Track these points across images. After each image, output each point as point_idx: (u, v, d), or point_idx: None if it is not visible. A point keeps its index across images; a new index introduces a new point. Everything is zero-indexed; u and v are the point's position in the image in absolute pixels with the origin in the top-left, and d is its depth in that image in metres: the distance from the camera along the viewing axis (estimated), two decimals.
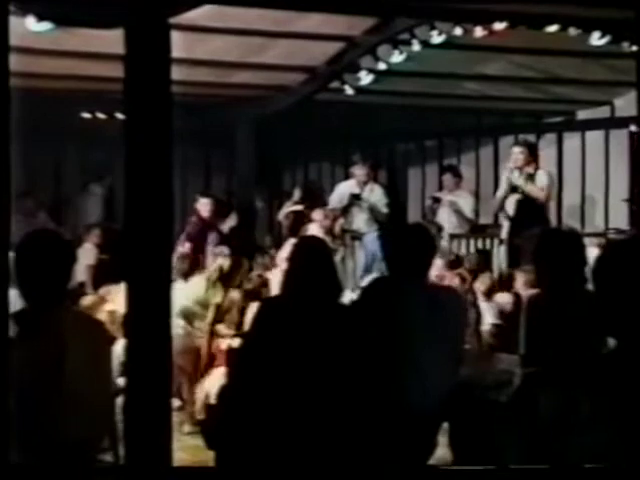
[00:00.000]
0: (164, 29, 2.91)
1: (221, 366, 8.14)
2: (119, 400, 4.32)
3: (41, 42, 8.13)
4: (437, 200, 11.92)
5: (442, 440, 5.46)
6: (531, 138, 12.03)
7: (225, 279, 8.66)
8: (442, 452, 5.46)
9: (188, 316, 8.59)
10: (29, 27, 7.50)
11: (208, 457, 5.39)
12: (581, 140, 13.50)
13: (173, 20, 3.04)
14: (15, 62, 2.86)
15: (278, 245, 10.67)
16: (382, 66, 10.49)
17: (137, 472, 2.74)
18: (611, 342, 2.57)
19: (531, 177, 10.57)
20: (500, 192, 10.80)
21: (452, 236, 11.48)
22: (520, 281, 8.76)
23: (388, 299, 5.38)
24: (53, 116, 11.86)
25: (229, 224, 12.64)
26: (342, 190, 12.06)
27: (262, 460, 4.93)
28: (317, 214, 10.78)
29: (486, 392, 5.43)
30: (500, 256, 11.16)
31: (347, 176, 12.87)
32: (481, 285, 8.84)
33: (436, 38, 9.57)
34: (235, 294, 8.59)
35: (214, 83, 11.43)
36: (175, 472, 2.85)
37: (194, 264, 9.91)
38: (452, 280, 8.62)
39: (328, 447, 4.85)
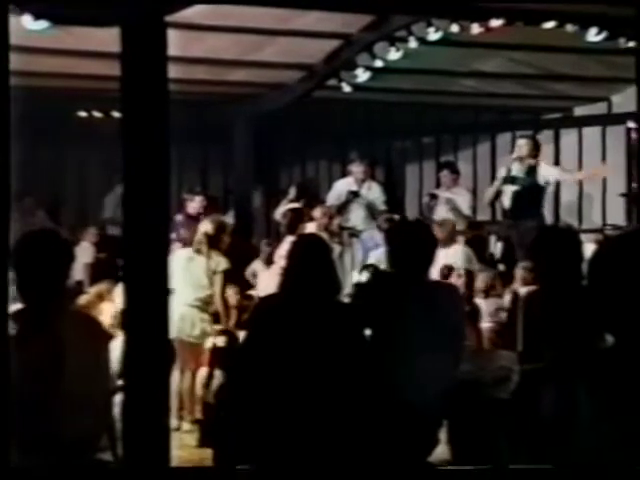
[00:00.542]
0: (160, 27, 2.91)
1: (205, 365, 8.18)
2: (118, 398, 4.32)
3: (37, 41, 8.11)
4: (434, 197, 11.91)
5: (441, 437, 5.47)
6: (528, 135, 12.01)
7: (213, 242, 8.57)
8: (441, 449, 5.46)
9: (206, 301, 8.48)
10: (25, 26, 7.48)
11: (206, 455, 5.39)
12: (578, 136, 13.49)
13: (169, 18, 3.04)
14: (11, 61, 2.86)
15: (275, 243, 10.67)
16: (379, 63, 10.48)
17: (135, 472, 2.74)
18: (609, 338, 2.57)
19: (533, 169, 10.59)
20: (496, 182, 10.82)
21: None
22: (518, 278, 8.76)
23: (388, 295, 5.38)
24: (49, 115, 11.85)
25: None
26: (340, 187, 12.06)
27: (260, 457, 4.93)
28: (317, 212, 10.77)
29: (485, 389, 5.44)
30: (497, 252, 11.18)
31: (344, 173, 12.87)
32: (480, 282, 8.84)
33: (433, 35, 9.56)
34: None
35: (211, 81, 11.42)
36: (173, 472, 2.85)
37: None
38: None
39: (327, 444, 4.85)
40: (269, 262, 9.84)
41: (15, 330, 3.61)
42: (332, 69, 11.11)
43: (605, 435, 2.37)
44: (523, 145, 10.73)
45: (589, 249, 5.51)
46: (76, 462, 3.75)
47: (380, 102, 13.30)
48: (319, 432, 4.89)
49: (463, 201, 11.82)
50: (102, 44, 6.91)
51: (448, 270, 8.63)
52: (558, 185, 12.49)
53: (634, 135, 12.06)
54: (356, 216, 11.83)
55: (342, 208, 11.71)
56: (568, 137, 13.58)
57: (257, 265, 10.54)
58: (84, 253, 11.60)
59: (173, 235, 10.57)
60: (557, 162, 13.02)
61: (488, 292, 8.78)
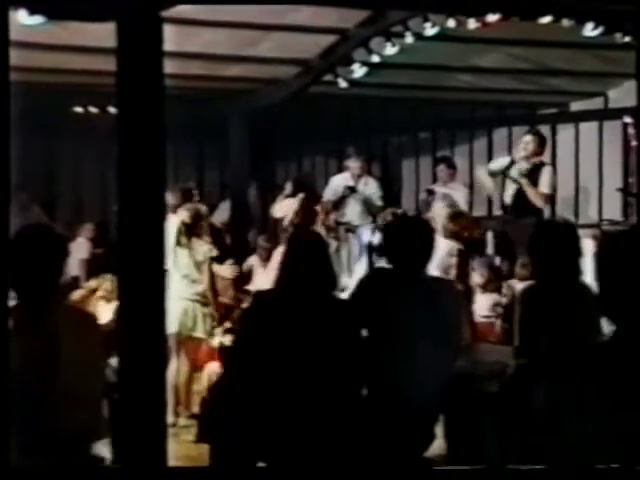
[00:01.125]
0: (156, 22, 2.90)
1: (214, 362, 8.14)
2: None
3: (32, 36, 8.08)
4: (432, 193, 11.90)
5: (438, 432, 5.47)
6: (524, 130, 12.00)
7: (191, 230, 8.53)
8: (438, 443, 5.47)
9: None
10: (20, 21, 7.46)
11: (203, 450, 5.39)
12: (575, 131, 13.48)
13: (165, 13, 3.03)
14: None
15: (272, 239, 10.66)
16: (375, 58, 10.46)
17: (132, 472, 2.74)
18: (606, 331, 2.57)
19: (537, 168, 10.57)
20: (499, 164, 10.82)
21: None
22: (515, 274, 8.76)
23: (385, 291, 5.38)
24: (45, 110, 11.83)
25: (222, 218, 12.63)
26: (336, 183, 12.06)
27: (256, 454, 4.93)
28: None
29: (479, 383, 5.43)
30: (494, 247, 11.19)
31: (341, 169, 12.86)
32: (477, 277, 8.83)
33: (429, 30, 9.53)
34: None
35: (207, 76, 11.40)
36: (170, 472, 2.84)
37: None
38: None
39: (322, 439, 4.85)
40: (267, 258, 9.84)
41: (10, 325, 3.60)
42: (328, 64, 11.09)
43: (597, 430, 2.37)
44: (530, 142, 10.68)
45: (586, 244, 5.51)
46: (72, 458, 3.74)
47: (376, 97, 13.28)
48: (314, 427, 4.89)
49: (460, 197, 11.82)
50: (98, 39, 6.88)
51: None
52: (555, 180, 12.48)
53: (631, 130, 12.06)
54: (352, 211, 11.83)
55: (338, 203, 11.72)
56: (565, 132, 13.58)
57: (253, 260, 10.55)
58: (80, 248, 11.61)
59: None
60: (554, 157, 13.02)
61: (485, 287, 8.78)
